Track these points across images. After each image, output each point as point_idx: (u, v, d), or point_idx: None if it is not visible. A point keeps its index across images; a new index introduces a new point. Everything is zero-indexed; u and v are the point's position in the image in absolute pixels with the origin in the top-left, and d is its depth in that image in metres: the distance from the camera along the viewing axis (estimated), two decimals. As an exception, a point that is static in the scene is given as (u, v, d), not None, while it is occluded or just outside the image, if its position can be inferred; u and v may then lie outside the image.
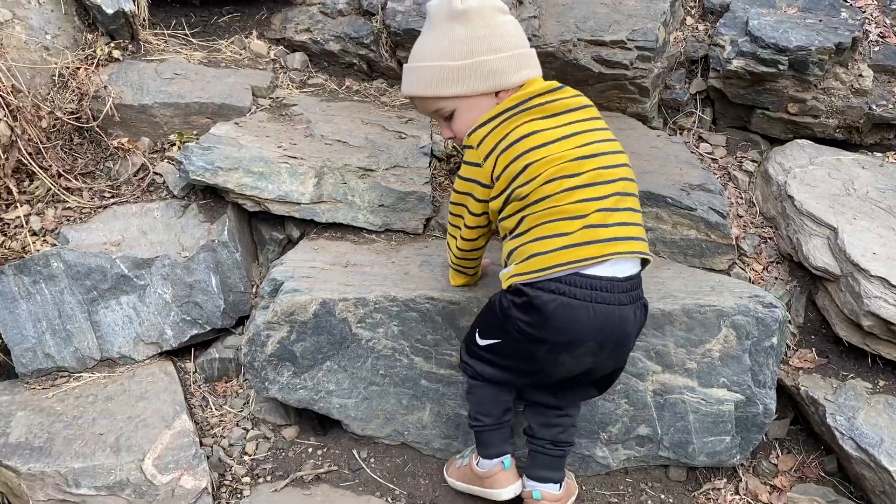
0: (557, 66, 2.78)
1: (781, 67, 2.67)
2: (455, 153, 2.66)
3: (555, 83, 1.79)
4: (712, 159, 2.83)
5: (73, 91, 2.61)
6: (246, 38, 3.12)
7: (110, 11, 2.72)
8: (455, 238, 1.92)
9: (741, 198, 2.69)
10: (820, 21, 2.83)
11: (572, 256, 1.59)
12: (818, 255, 2.28)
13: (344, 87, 3.03)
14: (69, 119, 2.51)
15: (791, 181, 2.52)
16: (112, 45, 2.81)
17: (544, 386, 1.86)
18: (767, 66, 2.69)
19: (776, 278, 2.43)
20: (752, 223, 2.59)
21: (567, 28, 2.80)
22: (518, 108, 1.71)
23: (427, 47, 1.78)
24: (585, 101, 1.80)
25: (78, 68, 2.71)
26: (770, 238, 2.53)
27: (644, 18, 2.82)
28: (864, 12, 3.00)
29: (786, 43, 2.66)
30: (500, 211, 1.72)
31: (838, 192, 2.49)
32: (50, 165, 2.46)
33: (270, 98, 2.84)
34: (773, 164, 2.67)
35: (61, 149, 2.55)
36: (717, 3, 3.04)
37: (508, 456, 1.91)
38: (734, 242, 2.37)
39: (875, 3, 3.07)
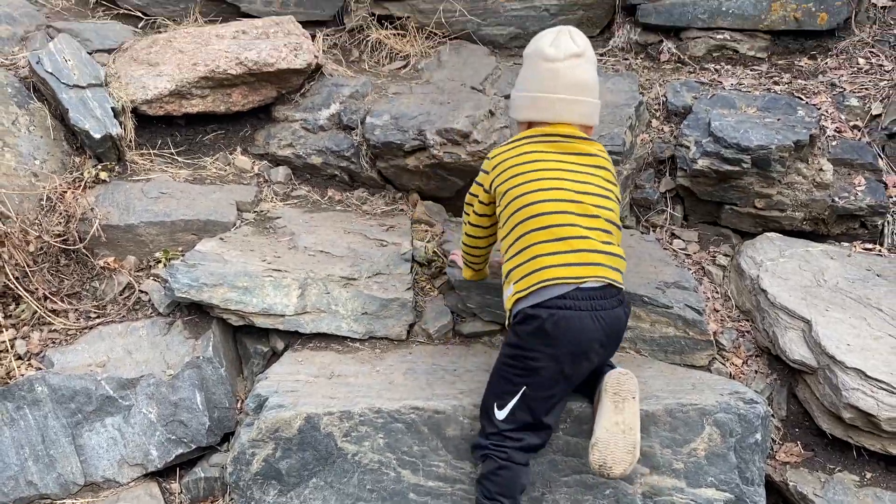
0: (531, 172, 2.89)
1: (745, 165, 2.79)
2: (435, 258, 2.72)
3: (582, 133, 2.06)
4: (686, 255, 2.91)
5: (61, 214, 2.68)
6: (230, 154, 3.23)
7: (98, 136, 2.82)
8: (465, 224, 2.19)
9: (717, 292, 2.75)
10: (778, 120, 2.98)
11: (571, 273, 1.82)
12: (794, 347, 2.32)
13: (326, 198, 3.13)
14: (56, 242, 2.57)
15: (763, 275, 2.59)
16: (99, 167, 2.90)
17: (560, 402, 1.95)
18: (731, 164, 2.81)
19: (756, 372, 2.47)
20: (728, 317, 2.64)
21: (538, 135, 2.92)
22: (537, 138, 2.01)
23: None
24: (602, 156, 2.07)
25: (66, 191, 2.79)
26: (747, 332, 2.57)
27: (611, 124, 2.96)
28: (819, 109, 3.16)
29: (747, 142, 2.79)
30: (499, 218, 1.98)
31: (809, 284, 2.55)
32: (36, 288, 2.49)
33: (255, 212, 2.91)
34: (745, 257, 2.74)
35: (48, 271, 2.59)
36: (680, 106, 3.20)
37: None
38: (712, 338, 2.41)
39: (829, 100, 3.24)
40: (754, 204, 2.89)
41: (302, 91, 3.37)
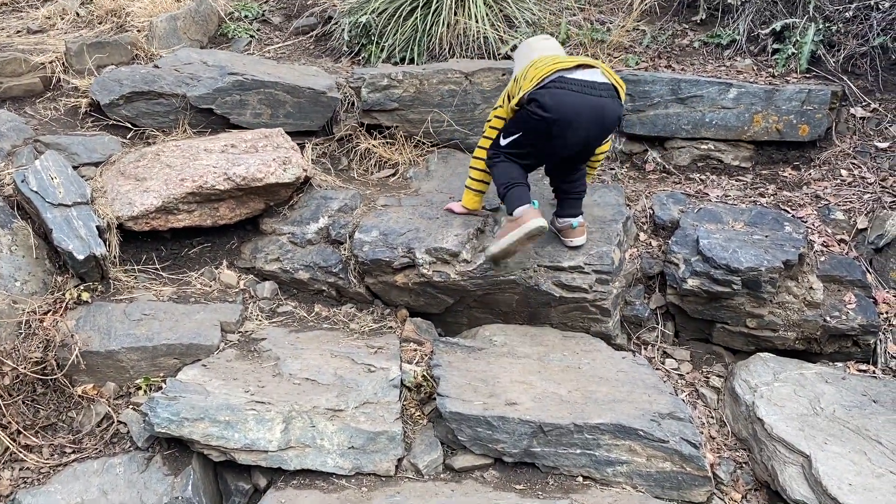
0: (520, 292, 2.87)
1: (735, 287, 2.78)
2: (424, 382, 2.66)
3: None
4: (679, 375, 2.87)
5: (40, 340, 2.61)
6: (216, 268, 3.19)
7: (81, 257, 2.78)
8: (482, 140, 2.87)
9: (711, 417, 2.70)
10: (766, 237, 2.99)
11: (556, 67, 2.59)
12: (795, 486, 2.25)
13: (313, 314, 3.07)
14: (34, 372, 2.49)
15: (759, 401, 2.55)
16: (81, 287, 2.85)
17: (553, 159, 2.78)
18: (721, 285, 2.80)
19: (756, 508, 2.39)
20: (725, 445, 2.58)
21: (526, 254, 2.91)
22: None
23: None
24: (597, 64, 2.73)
25: (47, 312, 2.74)
26: (745, 463, 2.51)
27: (599, 242, 2.95)
28: (805, 223, 3.18)
29: (737, 264, 2.78)
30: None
31: (806, 412, 2.51)
32: (10, 422, 2.40)
33: (239, 332, 2.85)
34: (739, 381, 2.70)
35: (23, 401, 2.50)
36: (667, 220, 3.21)
37: (535, 201, 2.70)
38: (710, 473, 2.34)
39: (815, 212, 3.27)
40: (746, 324, 2.86)
41: (290, 203, 3.37)
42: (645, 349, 2.97)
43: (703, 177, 3.63)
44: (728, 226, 3.11)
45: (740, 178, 3.61)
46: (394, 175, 3.72)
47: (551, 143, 2.63)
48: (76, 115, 3.70)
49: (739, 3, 4.22)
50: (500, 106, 2.84)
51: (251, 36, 4.84)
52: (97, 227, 2.90)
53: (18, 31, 5.21)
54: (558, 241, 2.95)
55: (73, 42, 4.02)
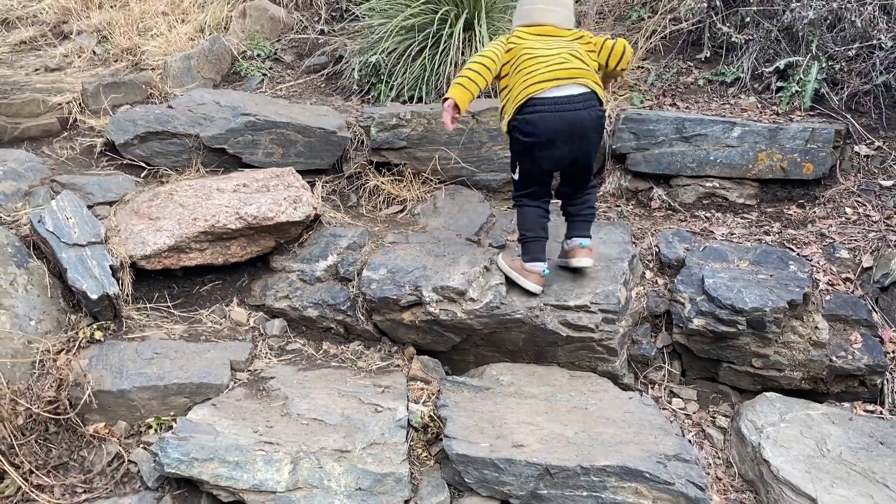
0: (527, 331, 2.89)
1: (740, 327, 2.80)
2: (431, 423, 2.68)
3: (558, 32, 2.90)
4: (685, 415, 2.87)
5: (53, 379, 2.65)
6: (227, 306, 3.24)
7: (94, 297, 2.83)
8: (476, 57, 2.84)
9: (718, 457, 2.70)
10: (771, 276, 3.01)
11: (530, 91, 2.70)
12: (802, 531, 2.25)
13: (321, 352, 3.11)
14: (47, 412, 2.53)
15: (765, 443, 2.55)
16: (94, 326, 2.90)
17: (550, 174, 2.89)
18: (727, 325, 2.81)
19: (763, 550, 2.38)
20: (731, 486, 2.58)
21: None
22: (530, 35, 2.87)
23: None
24: (573, 37, 2.90)
25: (60, 351, 2.78)
26: (752, 505, 2.51)
27: (605, 280, 2.98)
28: (810, 261, 3.20)
29: (742, 304, 2.80)
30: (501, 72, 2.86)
31: (813, 454, 2.51)
32: (22, 462, 2.43)
33: (249, 371, 2.89)
34: (745, 421, 2.71)
35: (35, 441, 2.54)
36: (673, 258, 3.24)
37: (546, 267, 2.90)
38: (716, 515, 2.34)
39: (820, 251, 3.29)
40: (752, 363, 2.87)
41: (300, 241, 3.42)
42: (652, 388, 2.98)
43: (708, 214, 3.66)
44: (733, 265, 3.13)
45: (745, 215, 3.64)
46: (402, 211, 3.78)
47: (541, 163, 2.79)
48: (91, 154, 3.78)
49: (743, 41, 4.29)
50: (494, 48, 2.86)
51: (263, 74, 4.94)
52: (111, 267, 2.96)
53: (37, 70, 5.35)
54: (564, 279, 2.99)
55: (90, 82, 4.12)
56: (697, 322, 2.87)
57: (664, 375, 3.01)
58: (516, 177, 2.90)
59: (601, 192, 3.83)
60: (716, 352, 2.91)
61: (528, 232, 2.89)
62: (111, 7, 6.08)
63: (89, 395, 2.60)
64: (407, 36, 4.41)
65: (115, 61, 5.29)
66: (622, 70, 2.95)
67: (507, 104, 2.82)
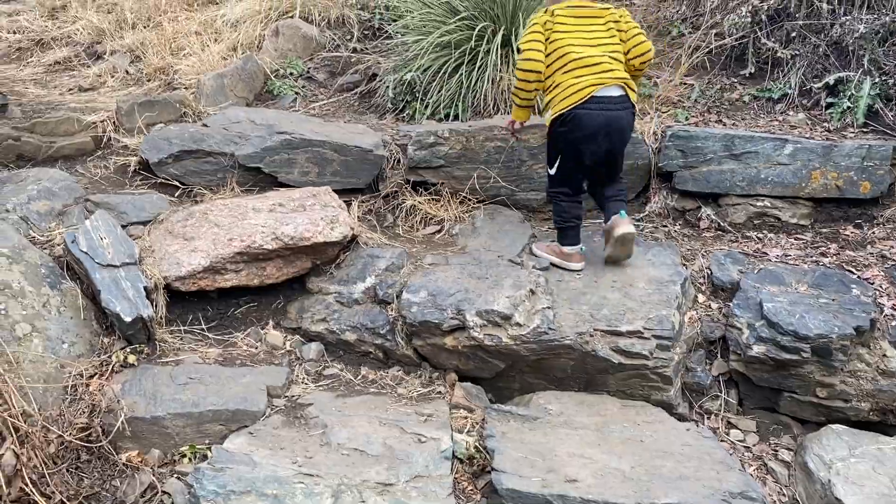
0: (576, 358, 2.76)
1: (804, 355, 2.65)
2: (476, 453, 2.55)
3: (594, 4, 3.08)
4: (745, 448, 2.71)
5: (86, 405, 2.56)
6: (262, 328, 3.14)
7: (128, 319, 2.75)
8: (525, 59, 3.02)
9: (783, 494, 2.53)
10: (833, 300, 2.85)
11: (582, 95, 2.90)
12: (883, 577, 2.08)
13: (360, 377, 2.99)
14: (79, 439, 2.44)
15: (835, 479, 2.38)
16: (128, 349, 2.81)
17: (590, 169, 3.08)
18: (789, 353, 2.66)
19: None
20: (800, 527, 2.42)
21: (582, 317, 2.81)
22: (564, 12, 3.02)
23: None
24: (607, 14, 3.05)
25: (93, 376, 2.70)
26: (824, 547, 2.34)
27: (657, 304, 2.84)
28: (872, 284, 3.04)
29: (805, 330, 2.65)
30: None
31: (887, 492, 2.34)
32: (53, 493, 2.34)
33: (285, 397, 2.78)
34: (812, 455, 2.54)
35: (67, 469, 2.44)
36: (726, 281, 3.09)
37: (583, 246, 3.14)
38: (787, 559, 2.18)
39: (882, 273, 3.12)
40: (815, 393, 2.72)
41: (337, 262, 3.32)
42: (708, 419, 2.82)
43: (760, 235, 3.51)
44: (791, 288, 2.98)
45: (799, 236, 3.48)
46: (439, 232, 3.67)
47: (583, 156, 2.99)
48: (125, 173, 3.73)
49: (790, 56, 4.15)
50: (537, 26, 3.02)
51: (296, 93, 4.89)
52: (144, 288, 2.88)
53: (70, 90, 5.35)
54: (614, 303, 2.85)
55: (124, 101, 4.08)
56: (757, 349, 2.71)
57: (721, 405, 2.85)
58: (553, 171, 3.11)
59: (646, 212, 3.70)
60: (777, 381, 2.75)
61: (564, 220, 3.12)
62: (144, 27, 6.10)
63: (122, 423, 2.50)
64: (442, 53, 4.33)
65: (149, 81, 5.28)
66: (635, 67, 3.09)
67: (554, 99, 2.98)
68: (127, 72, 5.58)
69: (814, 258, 3.28)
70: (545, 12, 3.04)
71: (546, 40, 2.98)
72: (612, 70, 2.94)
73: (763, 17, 4.26)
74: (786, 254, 3.32)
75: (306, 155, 3.63)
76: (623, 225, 3.00)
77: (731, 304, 2.94)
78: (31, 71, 5.96)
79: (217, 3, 6.19)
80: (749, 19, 4.32)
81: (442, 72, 4.29)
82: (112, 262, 2.90)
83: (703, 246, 3.43)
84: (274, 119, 3.88)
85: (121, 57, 5.82)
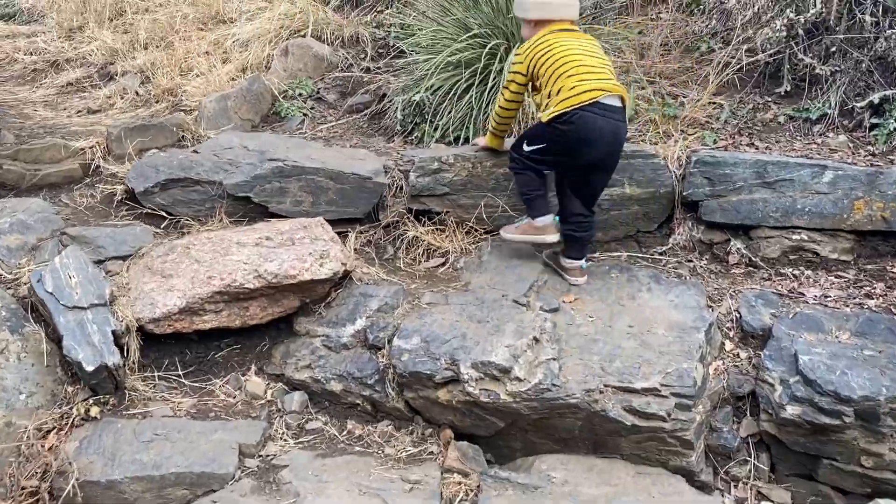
0: (584, 418, 2.45)
1: (847, 419, 2.30)
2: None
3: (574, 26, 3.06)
4: (778, 524, 2.37)
5: (38, 465, 2.33)
6: (244, 375, 2.90)
7: (90, 368, 2.52)
8: (501, 99, 3.10)
9: (823, 583, 2.18)
10: (880, 352, 2.50)
11: (588, 96, 2.77)
12: None
13: (345, 433, 2.72)
14: (23, 507, 2.20)
15: (885, 572, 2.03)
16: (91, 401, 2.59)
17: (572, 171, 2.98)
18: (829, 416, 2.32)
19: None
20: None
21: (591, 370, 2.50)
22: (553, 31, 2.96)
23: None
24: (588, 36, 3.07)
25: (51, 431, 2.48)
26: None
27: (678, 355, 2.52)
28: (925, 332, 2.67)
29: (848, 392, 2.31)
30: (541, 84, 2.91)
31: (949, 590, 1.98)
32: (-10, 569, 2.10)
33: (259, 457, 2.52)
34: (857, 539, 2.19)
35: (10, 540, 2.21)
36: (757, 327, 2.76)
37: (555, 216, 3.04)
38: None
39: (935, 318, 2.75)
40: (860, 462, 2.36)
41: (327, 300, 3.07)
42: (735, 487, 2.49)
43: (796, 272, 3.16)
44: (831, 336, 2.63)
45: (841, 273, 3.12)
46: (443, 265, 3.39)
47: (572, 157, 2.90)
48: (111, 203, 3.53)
49: (829, 73, 3.79)
50: (520, 62, 2.99)
51: (304, 114, 4.66)
52: (113, 332, 2.66)
53: (79, 111, 5.21)
54: (631, 353, 2.54)
55: (114, 126, 3.89)
56: (791, 410, 2.37)
57: (750, 471, 2.51)
58: (529, 148, 2.96)
59: (669, 245, 3.37)
60: (815, 446, 2.41)
61: (532, 188, 3.03)
62: (156, 47, 5.96)
63: (73, 487, 2.27)
64: (453, 72, 4.06)
65: (157, 102, 5.12)
66: None
67: (553, 99, 2.87)
68: (136, 93, 5.43)
69: (857, 300, 2.92)
70: (531, 43, 2.99)
71: (538, 58, 2.93)
72: (611, 80, 2.89)
73: (800, 30, 3.90)
74: (825, 294, 2.96)
75: (299, 183, 3.38)
76: (580, 277, 3.05)
77: (762, 353, 2.60)
78: (44, 92, 5.85)
79: (229, 23, 6.03)
80: (784, 33, 3.97)
81: (452, 92, 4.02)
82: (79, 303, 2.68)
83: (731, 284, 3.09)
84: (269, 145, 3.65)
85: (131, 78, 5.67)
